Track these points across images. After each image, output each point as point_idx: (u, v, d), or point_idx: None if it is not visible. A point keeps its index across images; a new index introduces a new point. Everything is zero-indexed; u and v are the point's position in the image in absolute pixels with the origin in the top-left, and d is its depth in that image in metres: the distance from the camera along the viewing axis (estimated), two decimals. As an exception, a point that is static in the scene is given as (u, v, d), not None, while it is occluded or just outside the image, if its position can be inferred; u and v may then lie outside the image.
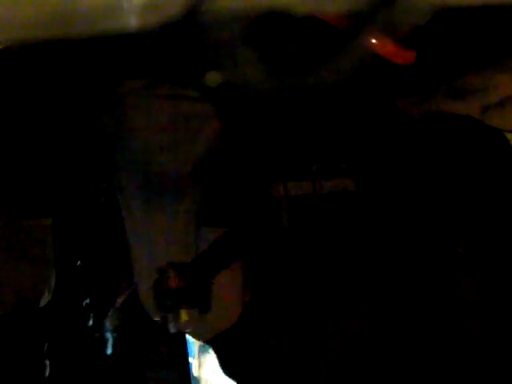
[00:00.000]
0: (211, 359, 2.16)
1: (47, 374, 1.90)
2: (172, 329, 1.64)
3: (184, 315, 1.62)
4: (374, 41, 1.24)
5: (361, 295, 1.80)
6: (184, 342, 2.18)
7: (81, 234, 2.11)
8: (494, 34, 1.46)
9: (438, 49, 1.47)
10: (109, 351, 2.18)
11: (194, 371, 2.24)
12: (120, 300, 2.27)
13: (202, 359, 2.21)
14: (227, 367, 1.87)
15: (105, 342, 2.19)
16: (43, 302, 1.89)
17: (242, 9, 1.03)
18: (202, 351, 2.22)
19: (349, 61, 1.30)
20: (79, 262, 2.16)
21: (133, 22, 0.98)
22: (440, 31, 1.38)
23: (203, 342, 1.97)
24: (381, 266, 1.80)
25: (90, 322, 2.18)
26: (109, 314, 2.20)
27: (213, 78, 1.51)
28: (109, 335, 2.20)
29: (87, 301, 2.17)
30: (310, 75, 1.36)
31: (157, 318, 1.71)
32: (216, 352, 1.88)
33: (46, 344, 1.94)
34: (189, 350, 2.17)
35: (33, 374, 1.88)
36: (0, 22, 0.92)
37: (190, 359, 2.17)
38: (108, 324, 2.19)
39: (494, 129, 1.65)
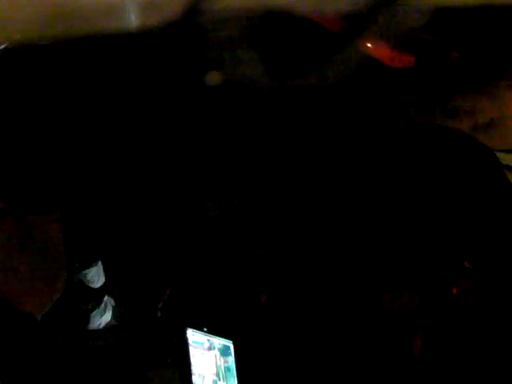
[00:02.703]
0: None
1: (48, 373, 1.90)
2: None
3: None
4: (369, 45, 1.24)
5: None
6: (184, 342, 2.18)
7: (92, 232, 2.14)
8: (481, 57, 1.47)
9: (433, 63, 1.47)
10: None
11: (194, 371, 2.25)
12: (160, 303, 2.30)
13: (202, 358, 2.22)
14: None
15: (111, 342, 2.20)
16: (56, 295, 1.90)
17: (242, 9, 1.04)
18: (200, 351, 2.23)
19: (345, 64, 1.30)
20: (77, 264, 2.17)
21: (133, 21, 0.98)
22: (436, 43, 1.38)
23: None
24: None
25: (89, 324, 2.19)
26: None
27: (213, 78, 1.51)
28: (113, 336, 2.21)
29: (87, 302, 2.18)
30: (308, 76, 1.37)
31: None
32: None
33: (49, 342, 1.95)
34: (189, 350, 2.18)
35: (35, 372, 1.89)
36: (0, 21, 0.93)
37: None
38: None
39: (483, 144, 1.66)
